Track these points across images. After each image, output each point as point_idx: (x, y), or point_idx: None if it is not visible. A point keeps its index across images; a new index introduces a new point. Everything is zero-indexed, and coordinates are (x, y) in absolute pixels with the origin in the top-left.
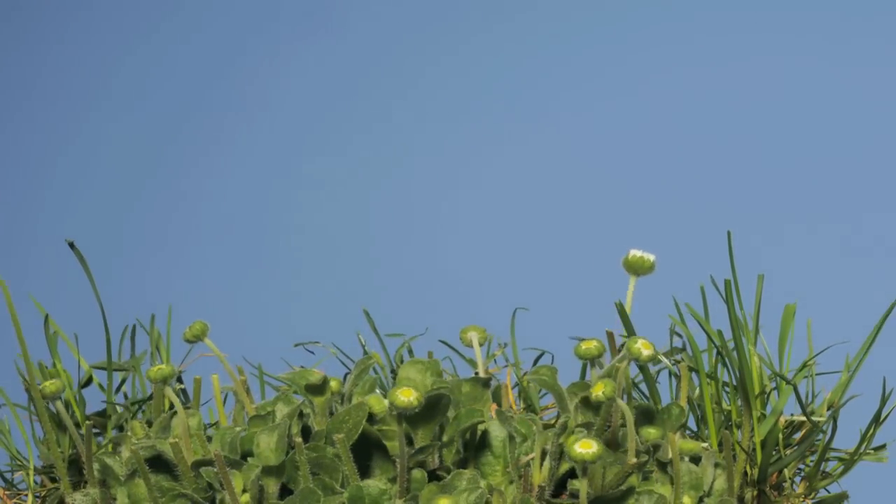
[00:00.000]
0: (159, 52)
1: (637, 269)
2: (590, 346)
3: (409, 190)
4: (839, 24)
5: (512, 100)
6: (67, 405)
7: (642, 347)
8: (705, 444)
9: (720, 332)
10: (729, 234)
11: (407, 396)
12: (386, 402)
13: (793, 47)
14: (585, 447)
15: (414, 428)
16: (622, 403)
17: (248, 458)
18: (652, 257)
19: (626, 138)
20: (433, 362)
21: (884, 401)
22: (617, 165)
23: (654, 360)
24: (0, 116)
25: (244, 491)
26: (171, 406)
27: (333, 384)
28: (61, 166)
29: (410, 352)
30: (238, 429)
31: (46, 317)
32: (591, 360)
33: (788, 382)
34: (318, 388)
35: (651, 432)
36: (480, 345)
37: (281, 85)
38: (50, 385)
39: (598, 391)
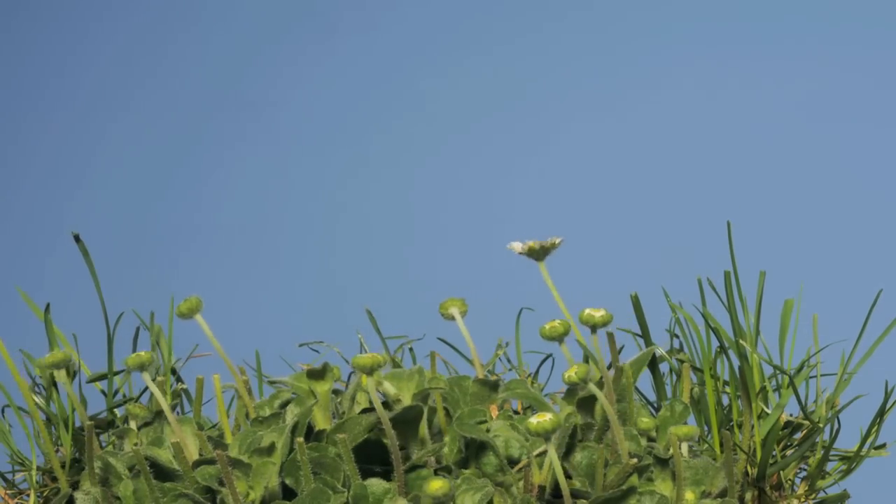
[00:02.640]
0: (161, 60)
1: (538, 255)
2: (553, 325)
3: (413, 190)
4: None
5: (513, 102)
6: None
7: (592, 312)
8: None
9: (718, 328)
10: (728, 224)
11: (369, 356)
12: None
13: (794, 47)
14: (540, 417)
15: (402, 436)
16: (598, 393)
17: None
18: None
19: (629, 138)
20: (416, 370)
21: (886, 399)
22: (619, 164)
23: (608, 322)
24: (14, 116)
25: (250, 488)
26: (176, 394)
27: (335, 371)
28: (68, 166)
29: (411, 351)
30: (261, 433)
31: (47, 307)
32: (559, 341)
33: (787, 376)
34: (319, 374)
35: (645, 421)
36: (462, 316)
37: (280, 87)
38: (49, 357)
39: (571, 373)
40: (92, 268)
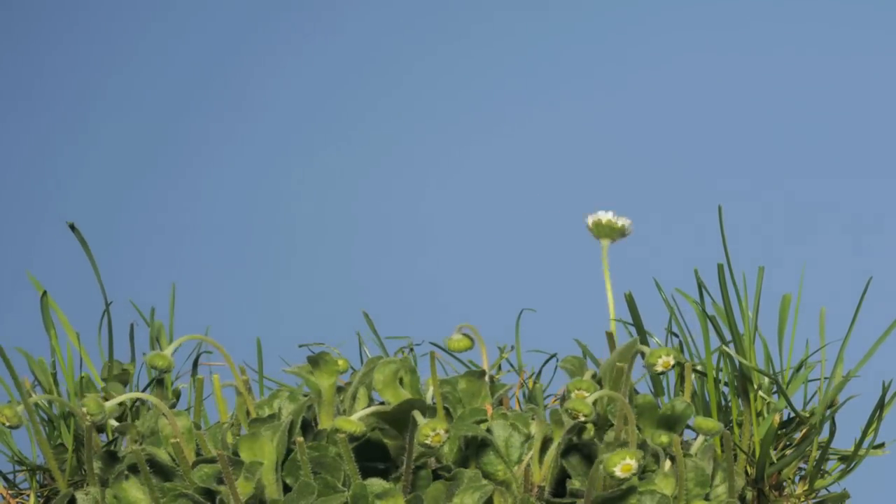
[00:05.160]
0: (157, 48)
1: (607, 233)
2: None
3: (412, 191)
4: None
5: (509, 100)
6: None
7: (662, 367)
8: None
9: (717, 326)
10: (720, 208)
11: (350, 427)
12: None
13: (792, 34)
14: (626, 471)
15: (402, 435)
16: (626, 406)
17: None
18: (621, 221)
19: (624, 133)
20: (404, 361)
21: (883, 396)
22: (617, 162)
23: (670, 367)
24: (8, 106)
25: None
26: (176, 393)
27: (341, 363)
28: (67, 159)
29: (412, 352)
30: (225, 425)
31: (44, 294)
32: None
33: (776, 383)
34: (315, 362)
35: (664, 440)
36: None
37: (285, 83)
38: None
39: (576, 405)
40: (90, 255)
